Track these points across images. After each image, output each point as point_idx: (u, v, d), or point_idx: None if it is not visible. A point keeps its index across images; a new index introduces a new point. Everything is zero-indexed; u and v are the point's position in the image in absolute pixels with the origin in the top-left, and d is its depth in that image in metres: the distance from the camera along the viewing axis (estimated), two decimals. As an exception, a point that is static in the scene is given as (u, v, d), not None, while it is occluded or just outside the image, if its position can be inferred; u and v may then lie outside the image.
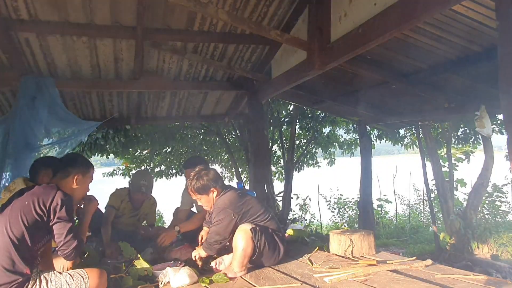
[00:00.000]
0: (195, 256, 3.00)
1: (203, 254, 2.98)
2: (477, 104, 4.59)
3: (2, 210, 2.16)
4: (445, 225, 6.50)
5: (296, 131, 8.52)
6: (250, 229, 2.84)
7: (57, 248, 2.25)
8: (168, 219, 8.41)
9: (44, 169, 3.02)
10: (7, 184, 3.69)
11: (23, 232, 2.06)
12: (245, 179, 9.24)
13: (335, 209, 11.09)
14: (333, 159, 9.72)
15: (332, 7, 3.25)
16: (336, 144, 9.43)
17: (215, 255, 3.13)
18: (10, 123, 4.04)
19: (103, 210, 4.12)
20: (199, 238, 3.35)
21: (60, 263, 2.65)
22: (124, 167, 9.60)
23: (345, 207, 10.96)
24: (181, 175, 8.96)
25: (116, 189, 4.29)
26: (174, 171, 9.41)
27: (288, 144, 8.53)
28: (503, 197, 7.65)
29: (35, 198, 2.13)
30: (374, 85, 5.07)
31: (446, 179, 6.74)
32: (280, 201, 8.22)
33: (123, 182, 6.23)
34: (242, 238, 2.79)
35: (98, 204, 2.75)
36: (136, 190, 4.10)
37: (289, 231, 4.23)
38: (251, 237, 2.81)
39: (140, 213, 4.34)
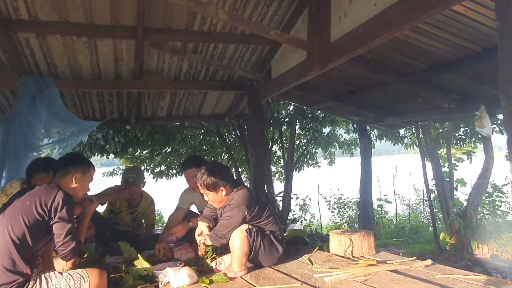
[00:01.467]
0: (200, 241, 3.01)
1: (208, 242, 2.99)
2: (477, 104, 4.59)
3: (3, 210, 2.16)
4: (445, 225, 6.51)
5: (296, 131, 8.52)
6: (246, 230, 2.86)
7: (55, 248, 2.25)
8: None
9: (39, 172, 3.00)
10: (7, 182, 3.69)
11: (24, 232, 2.06)
12: (245, 179, 9.23)
13: (335, 209, 11.09)
14: (333, 159, 9.73)
15: (332, 7, 3.25)
16: (336, 144, 9.43)
17: (215, 256, 3.14)
18: (10, 123, 4.04)
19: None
20: (196, 235, 3.32)
21: (60, 263, 2.65)
22: (124, 167, 9.61)
23: (345, 207, 10.96)
24: (181, 175, 8.96)
25: (116, 185, 4.34)
26: (174, 171, 9.42)
27: (288, 144, 8.53)
28: (503, 197, 7.68)
29: (36, 199, 2.13)
30: (374, 85, 5.07)
31: (446, 179, 6.74)
32: (280, 201, 8.22)
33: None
34: (238, 237, 2.81)
35: (98, 205, 2.75)
36: (125, 182, 4.16)
37: (289, 231, 4.23)
38: (246, 236, 2.83)
39: (138, 212, 4.36)
